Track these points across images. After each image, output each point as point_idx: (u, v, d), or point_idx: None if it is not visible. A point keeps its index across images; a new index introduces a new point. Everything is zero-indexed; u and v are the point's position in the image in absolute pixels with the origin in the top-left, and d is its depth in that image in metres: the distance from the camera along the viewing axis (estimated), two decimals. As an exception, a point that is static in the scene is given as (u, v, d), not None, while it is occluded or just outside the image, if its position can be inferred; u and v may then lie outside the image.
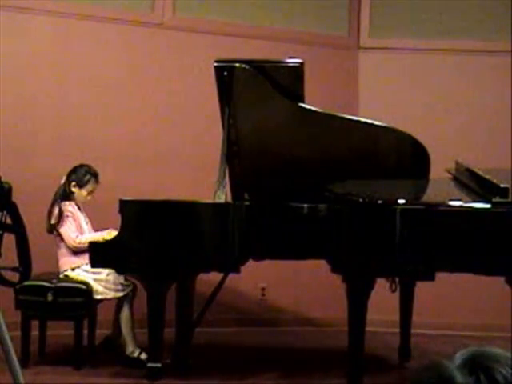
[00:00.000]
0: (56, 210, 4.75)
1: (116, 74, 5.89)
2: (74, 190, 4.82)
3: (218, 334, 5.63)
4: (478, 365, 0.90)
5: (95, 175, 4.89)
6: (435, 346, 5.40)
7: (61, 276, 4.74)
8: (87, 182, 4.85)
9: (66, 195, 4.81)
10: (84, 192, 4.85)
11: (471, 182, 4.30)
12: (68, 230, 4.75)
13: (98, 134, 5.75)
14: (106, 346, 4.92)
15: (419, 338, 5.31)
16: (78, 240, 4.70)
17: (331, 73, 6.37)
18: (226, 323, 5.91)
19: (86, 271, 4.71)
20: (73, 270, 4.75)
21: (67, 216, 4.76)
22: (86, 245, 4.53)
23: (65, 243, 4.75)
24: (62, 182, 4.85)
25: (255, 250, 4.37)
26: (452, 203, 3.97)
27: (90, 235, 4.77)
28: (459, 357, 0.92)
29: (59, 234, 4.76)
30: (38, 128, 5.64)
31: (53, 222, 4.74)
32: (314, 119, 4.58)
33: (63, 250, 4.77)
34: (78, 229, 4.80)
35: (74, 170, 4.86)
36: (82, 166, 4.89)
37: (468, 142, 6.19)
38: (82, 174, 4.85)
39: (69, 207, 4.79)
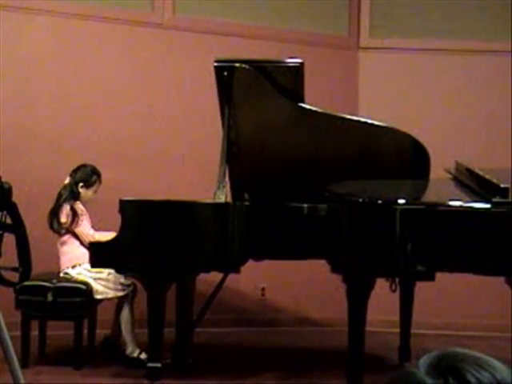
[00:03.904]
0: (66, 210, 4.75)
1: (116, 74, 5.89)
2: (81, 190, 4.84)
3: (218, 334, 5.64)
4: (445, 366, 0.88)
5: (99, 175, 4.91)
6: (435, 346, 5.38)
7: (61, 274, 4.75)
8: (94, 183, 4.88)
9: (74, 195, 4.82)
10: (90, 192, 4.88)
11: (471, 182, 4.30)
12: (86, 228, 4.79)
13: (98, 134, 5.75)
14: (106, 346, 4.92)
15: (419, 338, 5.31)
16: (96, 237, 4.72)
17: (331, 73, 6.37)
18: (226, 323, 5.91)
19: (86, 270, 4.71)
20: (73, 267, 4.75)
21: (81, 215, 4.78)
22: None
23: (69, 241, 4.77)
24: (67, 181, 4.85)
25: (255, 249, 4.37)
26: (452, 203, 3.96)
27: (104, 233, 4.77)
28: (424, 361, 0.90)
29: (68, 233, 4.77)
30: (38, 128, 5.64)
31: (64, 220, 4.74)
32: (314, 119, 4.57)
33: (65, 248, 4.78)
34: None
35: (79, 170, 4.87)
36: (85, 165, 4.90)
37: (468, 142, 6.19)
38: (89, 175, 4.87)
39: (81, 206, 4.82)
